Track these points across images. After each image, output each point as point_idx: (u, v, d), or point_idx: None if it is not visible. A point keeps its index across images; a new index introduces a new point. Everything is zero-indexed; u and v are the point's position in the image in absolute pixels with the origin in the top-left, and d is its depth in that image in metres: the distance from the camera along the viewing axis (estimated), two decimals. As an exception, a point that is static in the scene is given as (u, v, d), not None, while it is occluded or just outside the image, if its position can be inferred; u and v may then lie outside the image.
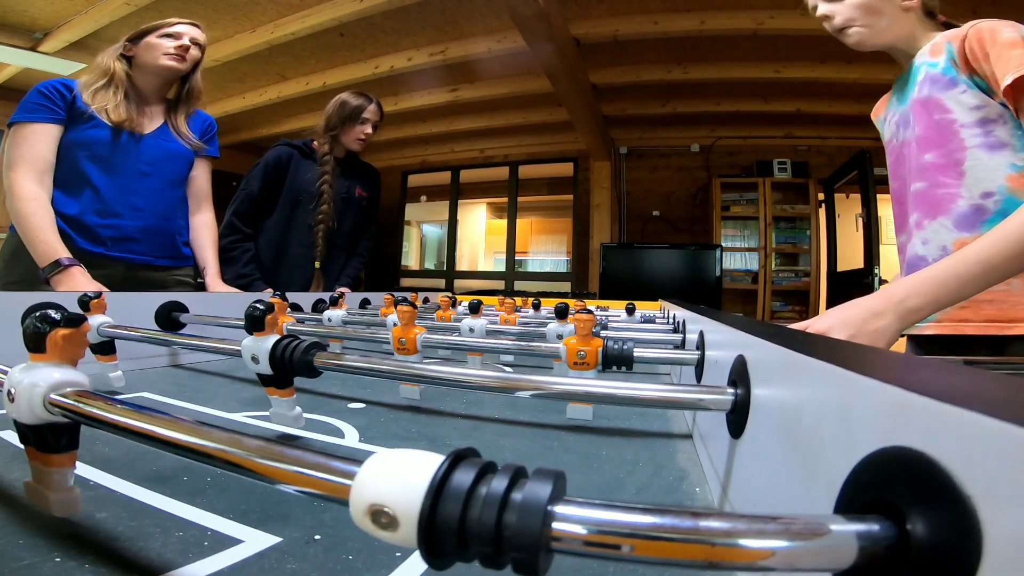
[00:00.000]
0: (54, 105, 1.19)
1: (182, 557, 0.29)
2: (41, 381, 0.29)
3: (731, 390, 0.36)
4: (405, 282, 5.37)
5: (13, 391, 0.29)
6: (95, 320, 0.71)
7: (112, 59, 1.27)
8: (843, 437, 0.18)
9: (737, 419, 0.34)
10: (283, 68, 3.92)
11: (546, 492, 0.16)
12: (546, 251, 5.88)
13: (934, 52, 0.84)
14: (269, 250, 1.67)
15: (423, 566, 0.29)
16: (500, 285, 5.07)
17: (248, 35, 3.44)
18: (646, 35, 3.10)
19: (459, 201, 5.35)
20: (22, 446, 0.30)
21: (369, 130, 1.73)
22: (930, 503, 0.13)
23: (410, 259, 5.88)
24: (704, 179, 4.51)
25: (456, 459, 0.18)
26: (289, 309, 1.13)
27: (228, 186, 2.04)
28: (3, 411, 0.31)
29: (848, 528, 0.15)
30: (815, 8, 0.92)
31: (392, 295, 1.18)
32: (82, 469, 0.40)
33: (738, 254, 4.31)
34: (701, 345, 0.58)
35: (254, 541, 0.31)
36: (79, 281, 1.12)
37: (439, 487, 0.17)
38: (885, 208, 1.47)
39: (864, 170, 3.44)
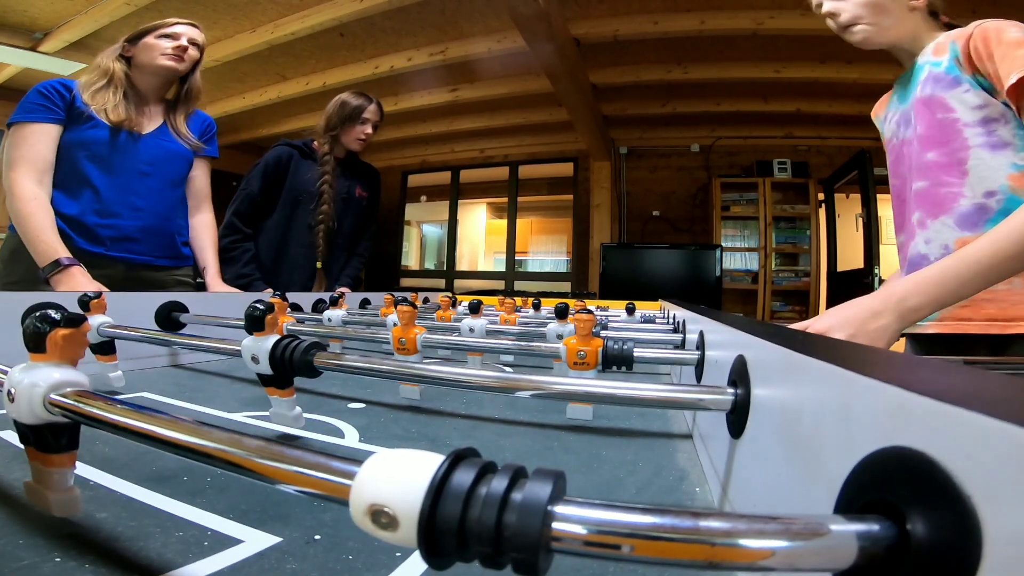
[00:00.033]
0: (53, 105, 1.19)
1: (182, 557, 0.29)
2: (41, 381, 0.29)
3: (731, 390, 0.36)
4: (405, 282, 5.37)
5: (13, 391, 0.29)
6: (95, 320, 0.71)
7: (111, 60, 1.27)
8: (843, 437, 0.18)
9: (737, 419, 0.34)
10: (283, 68, 3.92)
11: (546, 492, 0.16)
12: (546, 251, 5.88)
13: (938, 51, 0.84)
14: (269, 250, 1.67)
15: (423, 566, 0.29)
16: (500, 285, 5.07)
17: (248, 35, 3.44)
18: (646, 35, 3.10)
19: (459, 201, 5.35)
20: (22, 446, 0.30)
21: (369, 130, 1.73)
22: (930, 503, 0.13)
23: (410, 259, 5.88)
24: (704, 179, 4.51)
25: (456, 459, 0.18)
26: (289, 309, 1.13)
27: (228, 186, 2.04)
28: (3, 411, 0.31)
29: (848, 528, 0.15)
30: (819, 5, 0.91)
31: (392, 295, 1.18)
32: (82, 469, 0.40)
33: (738, 254, 4.31)
34: (701, 345, 0.58)
35: (254, 541, 0.31)
36: (79, 281, 1.12)
37: (439, 487, 0.17)
38: (885, 208, 1.47)
39: (864, 170, 3.44)
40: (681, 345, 0.79)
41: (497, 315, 1.10)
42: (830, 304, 2.27)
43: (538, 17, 2.48)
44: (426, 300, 1.82)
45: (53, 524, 0.31)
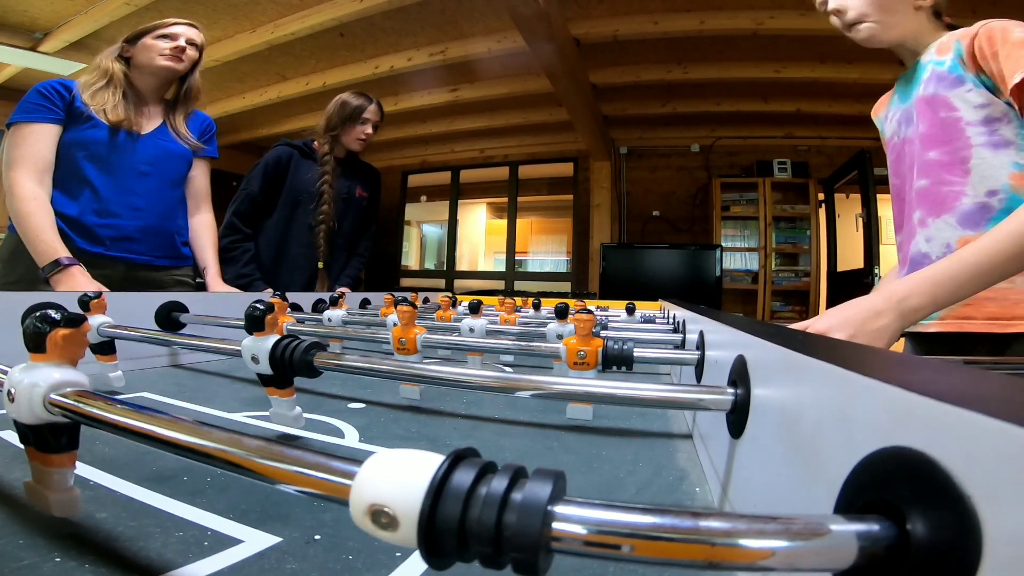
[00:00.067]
0: (53, 105, 1.19)
1: (182, 557, 0.29)
2: (41, 381, 0.29)
3: (731, 390, 0.36)
4: (405, 282, 5.37)
5: (13, 391, 0.29)
6: (95, 320, 0.71)
7: (110, 60, 1.27)
8: (843, 437, 0.18)
9: (737, 419, 0.34)
10: (283, 68, 3.92)
11: (546, 492, 0.16)
12: (546, 251, 5.88)
13: (941, 51, 0.84)
14: (269, 250, 1.67)
15: (423, 566, 0.29)
16: (500, 285, 5.07)
17: (248, 35, 3.44)
18: (646, 35, 3.10)
19: (459, 201, 5.35)
20: (22, 446, 0.30)
21: (369, 130, 1.73)
22: (930, 503, 0.13)
23: (410, 259, 5.88)
24: (704, 179, 4.51)
25: (456, 459, 0.18)
26: (289, 309, 1.13)
27: (228, 186, 2.04)
28: (3, 411, 0.31)
29: (848, 528, 0.15)
30: (824, 2, 0.91)
31: (392, 295, 1.18)
32: (82, 469, 0.40)
33: (738, 254, 4.32)
34: (701, 345, 0.58)
35: (254, 541, 0.31)
36: (79, 281, 1.12)
37: (439, 487, 0.17)
38: (885, 208, 1.47)
39: (864, 170, 3.44)
40: (681, 345, 0.79)
41: (497, 315, 1.10)
42: (830, 304, 2.27)
43: (538, 17, 2.48)
44: (426, 300, 1.82)
45: (53, 524, 0.31)
